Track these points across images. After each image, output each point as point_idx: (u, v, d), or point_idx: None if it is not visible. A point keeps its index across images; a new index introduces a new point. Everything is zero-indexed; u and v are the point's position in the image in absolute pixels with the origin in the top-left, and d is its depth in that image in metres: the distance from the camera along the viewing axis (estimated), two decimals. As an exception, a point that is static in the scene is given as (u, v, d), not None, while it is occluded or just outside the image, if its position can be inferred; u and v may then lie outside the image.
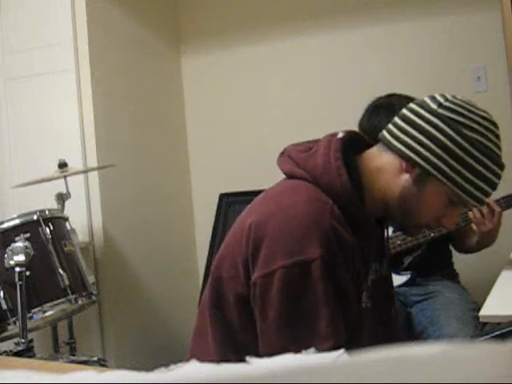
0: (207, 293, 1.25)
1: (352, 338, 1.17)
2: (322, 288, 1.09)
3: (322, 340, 1.08)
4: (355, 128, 2.20)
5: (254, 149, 3.36)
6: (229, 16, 3.48)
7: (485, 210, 2.08)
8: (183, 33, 3.60)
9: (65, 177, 2.47)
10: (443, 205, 1.19)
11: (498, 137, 1.18)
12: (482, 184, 1.16)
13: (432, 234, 2.17)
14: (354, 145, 1.26)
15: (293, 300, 1.10)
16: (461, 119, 1.15)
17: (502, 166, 1.19)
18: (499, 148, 1.18)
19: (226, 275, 1.20)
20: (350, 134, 1.27)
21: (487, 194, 1.19)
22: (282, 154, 1.30)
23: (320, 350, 1.06)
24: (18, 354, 2.00)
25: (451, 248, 2.45)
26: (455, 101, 1.18)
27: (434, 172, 1.16)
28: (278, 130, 3.27)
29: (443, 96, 1.19)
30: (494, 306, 1.55)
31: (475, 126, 1.15)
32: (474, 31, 3.01)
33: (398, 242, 2.19)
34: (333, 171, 1.17)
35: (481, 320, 1.55)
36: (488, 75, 3.00)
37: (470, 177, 1.15)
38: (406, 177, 1.19)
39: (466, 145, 1.14)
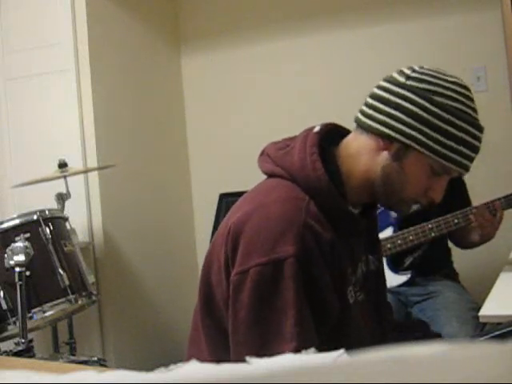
0: (198, 299, 1.24)
1: (337, 334, 1.16)
2: (293, 287, 1.08)
3: (286, 341, 1.07)
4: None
5: (254, 149, 3.35)
6: (229, 16, 3.48)
7: (487, 214, 2.08)
8: (183, 33, 3.60)
9: (65, 177, 2.47)
10: (427, 176, 1.18)
11: (471, 100, 1.16)
12: (462, 148, 1.14)
13: (433, 234, 2.17)
14: (333, 137, 1.24)
15: (263, 300, 1.09)
16: (431, 87, 1.14)
17: (480, 128, 1.17)
18: (475, 111, 1.16)
19: (214, 280, 1.19)
20: (327, 127, 1.25)
21: (470, 159, 1.16)
22: (262, 153, 1.29)
23: (284, 350, 1.06)
24: (17, 353, 2.00)
25: (451, 247, 2.45)
26: (423, 70, 1.17)
27: (412, 144, 1.14)
28: (278, 130, 3.26)
29: (410, 68, 1.18)
30: (493, 306, 1.55)
31: (446, 91, 1.14)
32: (474, 31, 3.01)
33: (399, 242, 2.19)
34: (309, 167, 1.16)
35: (481, 320, 1.55)
36: (488, 75, 3.00)
37: (449, 143, 1.14)
38: (384, 154, 1.18)
39: (440, 111, 1.13)
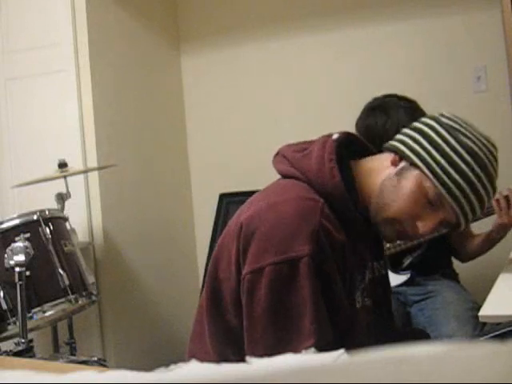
0: (204, 293, 1.25)
1: (345, 337, 1.17)
2: (309, 285, 1.10)
3: (305, 338, 1.09)
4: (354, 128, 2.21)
5: (254, 149, 3.36)
6: (229, 16, 3.48)
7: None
8: (183, 32, 3.60)
9: (65, 177, 2.47)
10: (421, 203, 1.16)
11: (495, 159, 1.16)
12: (468, 191, 1.13)
13: (432, 234, 2.16)
14: (348, 146, 1.27)
15: (279, 297, 1.11)
16: (460, 128, 1.16)
17: (493, 185, 1.16)
18: (494, 169, 1.16)
19: (222, 276, 1.20)
20: (344, 135, 1.28)
21: (472, 209, 1.14)
22: (277, 154, 1.31)
23: (303, 347, 1.07)
24: (17, 354, 2.00)
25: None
26: (460, 117, 1.20)
27: (419, 163, 1.15)
28: (278, 130, 3.27)
29: (451, 113, 1.21)
30: (493, 306, 1.55)
31: (473, 137, 1.15)
32: (474, 31, 3.01)
33: (398, 242, 2.19)
34: (326, 173, 1.18)
35: (480, 320, 1.55)
36: (488, 75, 3.00)
37: (458, 179, 1.13)
38: (390, 169, 1.20)
39: (460, 149, 1.14)
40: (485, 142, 1.16)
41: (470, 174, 1.13)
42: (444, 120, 1.18)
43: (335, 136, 1.25)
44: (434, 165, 1.14)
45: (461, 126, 1.17)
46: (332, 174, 1.17)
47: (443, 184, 1.14)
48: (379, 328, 1.32)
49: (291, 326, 1.10)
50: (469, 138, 1.15)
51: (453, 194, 1.13)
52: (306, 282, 1.09)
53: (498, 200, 2.08)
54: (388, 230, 1.21)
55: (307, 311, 1.09)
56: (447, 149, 1.14)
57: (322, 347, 1.08)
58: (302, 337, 1.09)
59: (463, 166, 1.13)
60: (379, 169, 1.22)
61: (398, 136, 1.23)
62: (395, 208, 1.18)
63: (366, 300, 1.25)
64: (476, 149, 1.14)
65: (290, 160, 1.25)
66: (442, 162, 1.14)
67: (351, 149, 1.27)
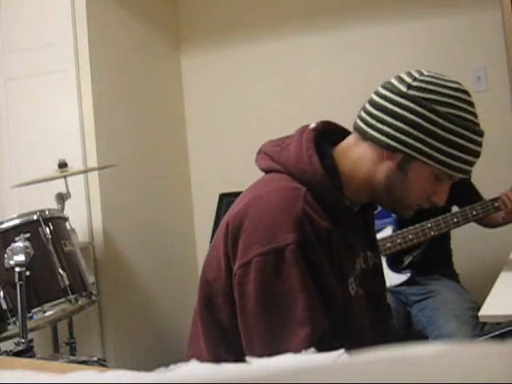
0: (197, 296, 1.25)
1: (339, 325, 1.16)
2: (297, 273, 1.09)
3: (299, 326, 1.08)
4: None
5: (254, 149, 3.35)
6: (229, 16, 3.48)
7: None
8: (183, 32, 3.60)
9: (65, 177, 2.47)
10: (430, 183, 1.20)
11: (472, 105, 1.17)
12: (466, 156, 1.16)
13: (432, 233, 2.17)
14: (329, 134, 1.26)
15: (269, 288, 1.11)
16: (433, 96, 1.14)
17: (481, 133, 1.18)
18: (475, 115, 1.17)
19: (212, 276, 1.20)
20: (323, 124, 1.27)
21: (471, 164, 1.18)
22: (259, 151, 1.31)
23: (298, 335, 1.07)
24: (17, 354, 2.00)
25: (451, 247, 2.45)
26: (423, 78, 1.16)
27: (417, 155, 1.15)
28: (278, 130, 3.26)
29: (411, 75, 1.17)
30: (493, 306, 1.56)
31: (447, 99, 1.14)
32: (474, 31, 3.01)
33: (398, 241, 2.19)
34: (305, 161, 1.18)
35: (480, 320, 1.55)
36: (488, 75, 3.00)
37: (451, 151, 1.15)
38: (388, 163, 1.19)
39: (442, 121, 1.14)
40: (459, 95, 1.15)
41: (460, 140, 1.15)
42: (415, 93, 1.15)
43: (313, 125, 1.25)
44: (429, 151, 1.15)
45: (431, 92, 1.15)
46: (311, 162, 1.17)
47: (442, 163, 1.16)
48: (373, 318, 1.31)
49: (283, 315, 1.10)
50: (445, 103, 1.14)
51: (453, 166, 1.16)
52: (294, 270, 1.09)
53: (505, 196, 2.11)
54: (406, 213, 1.27)
55: (298, 300, 1.09)
56: (433, 128, 1.14)
57: (319, 335, 1.08)
58: (295, 326, 1.08)
59: (452, 137, 1.14)
60: (369, 159, 1.20)
61: (373, 122, 1.17)
62: (410, 198, 1.22)
63: (358, 289, 1.25)
64: (457, 112, 1.14)
65: (270, 155, 1.25)
66: (434, 143, 1.14)
67: (331, 137, 1.26)
